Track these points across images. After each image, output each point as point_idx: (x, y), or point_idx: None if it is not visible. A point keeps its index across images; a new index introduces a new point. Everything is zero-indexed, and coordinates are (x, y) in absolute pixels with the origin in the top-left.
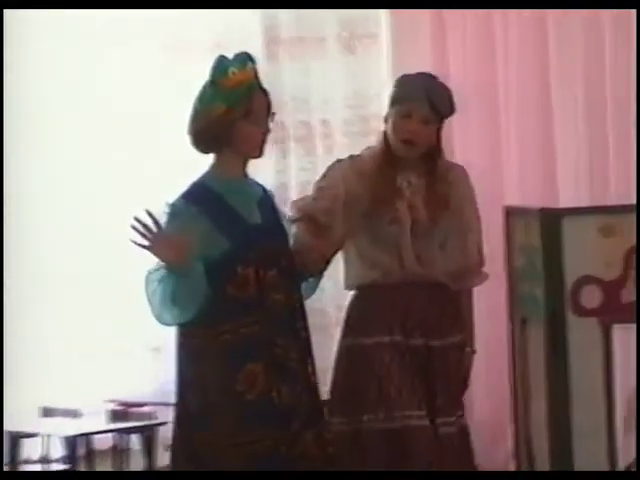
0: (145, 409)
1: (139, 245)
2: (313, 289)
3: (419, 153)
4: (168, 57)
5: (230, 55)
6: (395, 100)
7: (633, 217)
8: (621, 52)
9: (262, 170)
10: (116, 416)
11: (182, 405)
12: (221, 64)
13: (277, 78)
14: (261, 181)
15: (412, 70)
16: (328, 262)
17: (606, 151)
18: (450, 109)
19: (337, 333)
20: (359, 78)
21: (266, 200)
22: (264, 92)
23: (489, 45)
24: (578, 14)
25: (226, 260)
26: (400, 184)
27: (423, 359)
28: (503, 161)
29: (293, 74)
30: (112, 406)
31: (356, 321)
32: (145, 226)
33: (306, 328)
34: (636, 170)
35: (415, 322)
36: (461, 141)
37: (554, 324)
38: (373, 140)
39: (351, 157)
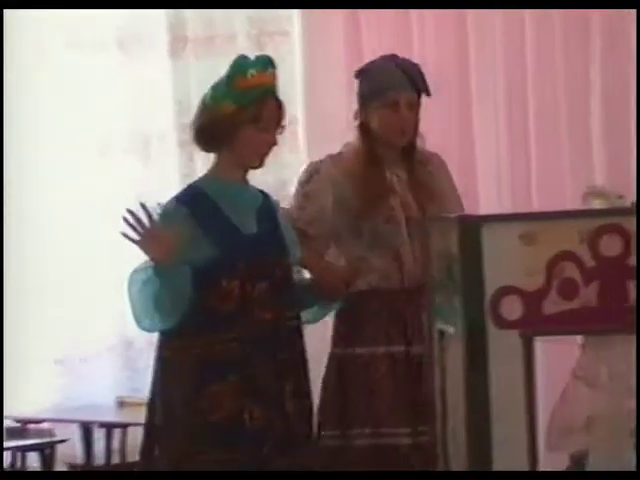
0: (44, 425)
1: (128, 239)
2: (315, 319)
3: (408, 141)
4: (73, 54)
5: None
6: (375, 92)
7: (556, 224)
8: (544, 54)
9: (168, 174)
10: (12, 433)
11: (149, 414)
12: (241, 63)
13: (184, 77)
14: (166, 185)
15: (324, 68)
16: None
17: (528, 158)
18: (427, 86)
19: None
20: None
21: (266, 209)
22: (278, 101)
23: (405, 42)
24: (497, 13)
25: (211, 269)
26: (390, 179)
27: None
28: None
29: (200, 73)
30: (8, 422)
31: (349, 329)
32: (138, 220)
33: (293, 349)
34: (636, 169)
35: (416, 329)
36: None
37: (473, 336)
38: (288, 143)
39: (331, 157)
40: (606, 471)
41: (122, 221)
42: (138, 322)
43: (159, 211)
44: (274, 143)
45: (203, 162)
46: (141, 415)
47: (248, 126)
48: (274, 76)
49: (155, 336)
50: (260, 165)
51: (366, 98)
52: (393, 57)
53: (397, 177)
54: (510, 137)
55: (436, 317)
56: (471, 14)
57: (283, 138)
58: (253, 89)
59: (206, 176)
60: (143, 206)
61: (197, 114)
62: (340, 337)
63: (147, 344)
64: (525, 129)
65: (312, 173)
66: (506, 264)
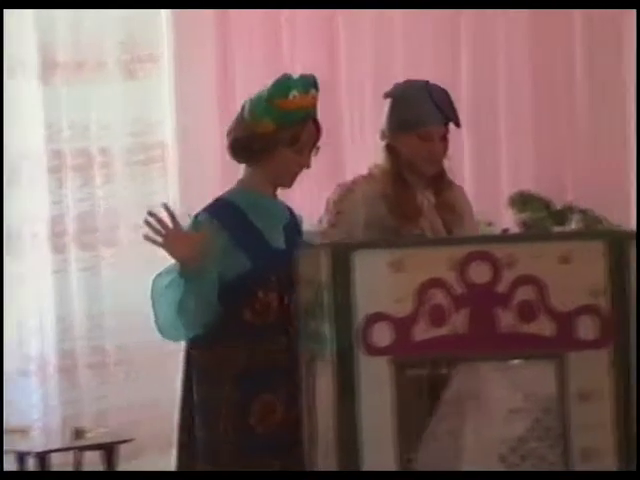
0: None
1: (152, 241)
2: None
3: (439, 169)
4: None
5: None
6: (409, 123)
7: (425, 251)
8: (414, 55)
9: (37, 202)
10: None
11: (185, 430)
12: (284, 83)
13: (53, 103)
14: (32, 214)
15: (195, 93)
16: None
17: None
18: (458, 118)
19: None
20: (140, 104)
21: (293, 225)
22: (317, 123)
23: (277, 66)
24: (367, 14)
25: (245, 282)
26: (421, 202)
27: None
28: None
29: (70, 99)
30: None
31: None
32: (160, 221)
33: None
34: (636, 182)
35: None
36: None
37: (343, 363)
38: (156, 169)
39: (364, 177)
40: (606, 471)
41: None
42: (162, 331)
43: (190, 223)
44: (307, 165)
45: (72, 188)
46: None
47: (284, 147)
48: (315, 98)
49: None
50: (289, 185)
51: (398, 126)
52: (426, 85)
53: (427, 200)
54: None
55: (307, 342)
56: (341, 15)
57: (153, 161)
58: (294, 111)
59: (238, 188)
60: (166, 207)
61: (233, 126)
62: None
63: None
64: None
65: (346, 192)
66: (376, 291)
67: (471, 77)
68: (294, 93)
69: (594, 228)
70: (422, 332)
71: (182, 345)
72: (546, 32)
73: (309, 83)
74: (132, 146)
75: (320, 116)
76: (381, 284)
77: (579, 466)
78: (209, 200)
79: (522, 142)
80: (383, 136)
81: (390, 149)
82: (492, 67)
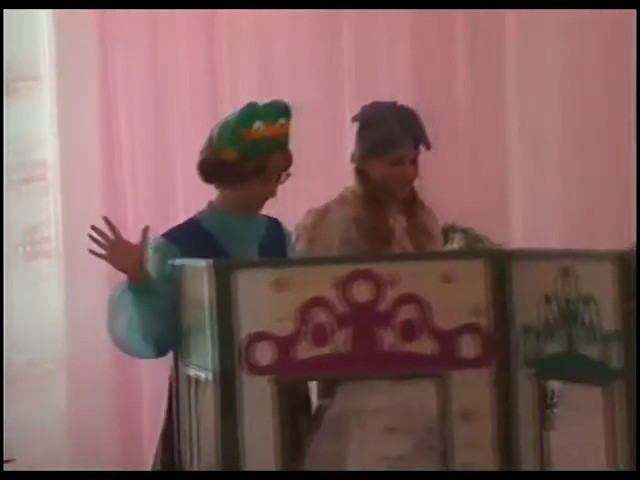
0: None
1: (95, 254)
2: None
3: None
4: None
5: None
6: (378, 147)
7: (307, 270)
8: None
9: None
10: None
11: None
12: (249, 113)
13: None
14: None
15: (79, 113)
16: None
17: None
18: (428, 140)
19: None
20: (23, 122)
21: (274, 241)
22: (286, 152)
23: (160, 85)
24: (249, 14)
25: None
26: (392, 225)
27: None
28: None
29: None
30: None
31: None
32: (102, 233)
33: None
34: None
35: None
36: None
37: (225, 382)
38: (38, 187)
39: (335, 201)
40: (606, 471)
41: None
42: (119, 346)
43: (150, 246)
44: (273, 194)
45: None
46: None
47: (250, 177)
48: (285, 127)
49: None
50: (257, 211)
51: (367, 150)
52: (393, 106)
53: (398, 223)
54: None
55: (189, 363)
56: (221, 14)
57: (35, 179)
58: (258, 142)
59: (207, 210)
60: (106, 220)
61: (204, 146)
62: None
63: None
64: None
65: (318, 219)
66: (258, 310)
67: (353, 78)
68: (259, 124)
69: (475, 247)
70: (304, 351)
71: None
72: (428, 33)
73: (278, 112)
74: (14, 164)
75: (197, 120)
76: (263, 303)
77: None
78: (92, 220)
79: None
80: (353, 159)
81: (360, 172)
82: (374, 68)
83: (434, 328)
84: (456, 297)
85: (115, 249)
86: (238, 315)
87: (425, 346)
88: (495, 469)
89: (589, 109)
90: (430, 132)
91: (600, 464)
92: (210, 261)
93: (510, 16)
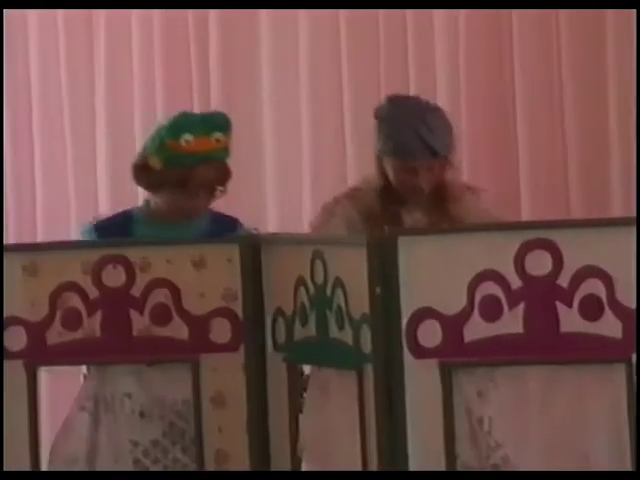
0: None
1: None
2: None
3: (428, 191)
4: None
5: None
6: (392, 152)
7: (58, 255)
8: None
9: None
10: None
11: None
12: (179, 124)
13: None
14: None
15: None
16: None
17: None
18: (451, 145)
19: None
20: None
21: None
22: (219, 166)
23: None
24: (159, 14)
25: None
26: (405, 221)
27: None
28: None
29: None
30: None
31: None
32: None
33: None
34: (636, 174)
35: None
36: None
37: None
38: None
39: (347, 196)
40: (606, 471)
41: None
42: None
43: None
44: (198, 210)
45: None
46: None
47: (172, 188)
48: (221, 141)
49: None
50: (184, 221)
51: (383, 149)
52: (415, 105)
53: (413, 220)
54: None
55: None
56: (134, 14)
57: None
58: (184, 155)
59: (144, 205)
60: None
61: (141, 148)
62: None
63: None
64: None
65: (328, 214)
66: (11, 294)
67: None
68: (188, 136)
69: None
70: (57, 336)
71: None
72: (355, 31)
73: (214, 125)
74: None
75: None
76: (16, 288)
77: (212, 468)
78: None
79: None
80: (375, 148)
81: (379, 163)
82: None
83: (185, 313)
84: (208, 282)
85: None
86: None
87: (177, 331)
88: (246, 453)
89: None
90: None
91: (352, 447)
92: None
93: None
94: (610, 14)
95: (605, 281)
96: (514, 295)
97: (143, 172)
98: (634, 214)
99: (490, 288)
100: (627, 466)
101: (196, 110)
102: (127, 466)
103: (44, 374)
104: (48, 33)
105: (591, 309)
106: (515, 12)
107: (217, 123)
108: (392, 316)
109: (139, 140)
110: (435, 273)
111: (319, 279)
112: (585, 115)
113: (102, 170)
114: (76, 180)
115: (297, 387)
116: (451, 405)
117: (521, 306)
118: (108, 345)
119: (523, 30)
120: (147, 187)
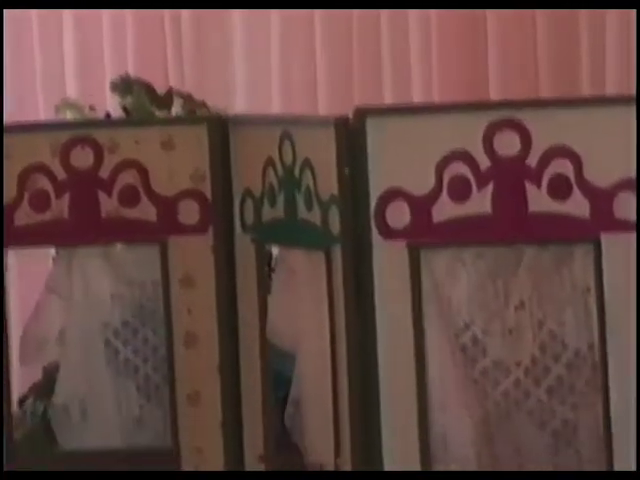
0: None
1: None
2: None
3: None
4: None
5: None
6: None
7: (25, 137)
8: None
9: None
10: None
11: None
12: None
13: None
14: None
15: None
16: None
17: None
18: None
19: None
20: None
21: None
22: None
23: None
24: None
25: None
26: None
27: None
28: None
29: None
30: None
31: None
32: None
33: None
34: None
35: None
36: None
37: None
38: None
39: None
40: (606, 471)
41: None
42: None
43: None
44: None
45: None
46: None
47: None
48: None
49: None
50: None
51: None
52: None
53: None
54: None
55: None
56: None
57: None
58: None
59: None
60: None
61: None
62: None
63: None
64: None
65: None
66: None
67: None
68: None
69: (195, 113)
70: (25, 217)
71: None
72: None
73: None
74: None
75: None
76: None
77: (182, 351)
78: None
79: None
80: None
81: None
82: None
83: (154, 194)
84: (176, 163)
85: None
86: None
87: (145, 212)
88: (217, 336)
89: None
90: None
91: (320, 325)
92: None
93: None
94: None
95: (573, 160)
96: (483, 175)
97: None
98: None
99: (459, 168)
100: (594, 340)
101: None
102: (98, 347)
103: (13, 258)
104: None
105: (559, 189)
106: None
107: None
108: (360, 197)
109: None
110: (404, 153)
111: (288, 160)
112: None
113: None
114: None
115: (265, 268)
116: (419, 286)
117: (490, 186)
118: (76, 227)
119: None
120: None
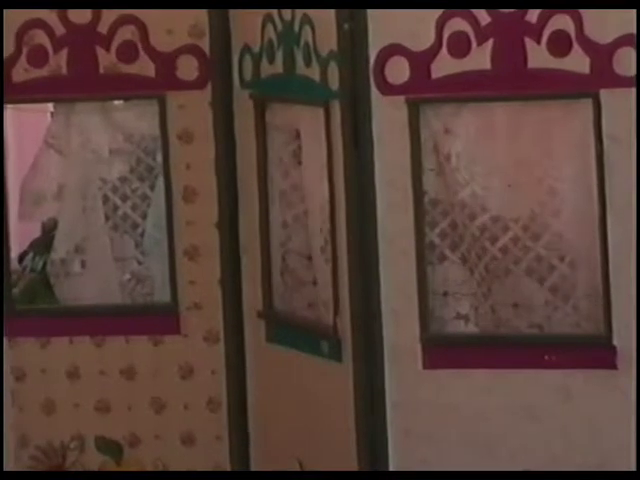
0: None
1: None
2: None
3: None
4: None
5: None
6: None
7: None
8: None
9: None
10: None
11: None
12: None
13: None
14: None
15: None
16: None
17: None
18: None
19: None
20: None
21: None
22: None
23: None
24: None
25: None
26: None
27: None
28: None
29: None
30: None
31: None
32: None
33: None
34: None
35: None
36: None
37: None
38: None
39: None
40: (606, 471)
41: None
42: None
43: None
44: None
45: None
46: None
47: None
48: None
49: None
50: None
51: None
52: None
53: None
54: None
55: None
56: None
57: None
58: None
59: None
60: None
61: None
62: None
63: None
64: None
65: None
66: None
67: None
68: None
69: None
70: (23, 73)
71: None
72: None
73: None
74: None
75: None
76: None
77: (181, 205)
78: None
79: None
80: None
81: None
82: None
83: (152, 50)
84: (175, 19)
85: None
86: None
87: (143, 68)
88: (215, 191)
89: None
90: None
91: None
92: None
93: None
94: None
95: (574, 16)
96: (483, 31)
97: None
98: None
99: (459, 24)
100: (594, 195)
101: None
102: (97, 203)
103: (10, 112)
104: None
105: (559, 44)
106: None
107: None
108: (360, 53)
109: None
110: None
111: (287, 15)
112: None
113: None
114: None
115: (264, 123)
116: (419, 141)
117: (490, 42)
118: (74, 82)
119: None
120: None
